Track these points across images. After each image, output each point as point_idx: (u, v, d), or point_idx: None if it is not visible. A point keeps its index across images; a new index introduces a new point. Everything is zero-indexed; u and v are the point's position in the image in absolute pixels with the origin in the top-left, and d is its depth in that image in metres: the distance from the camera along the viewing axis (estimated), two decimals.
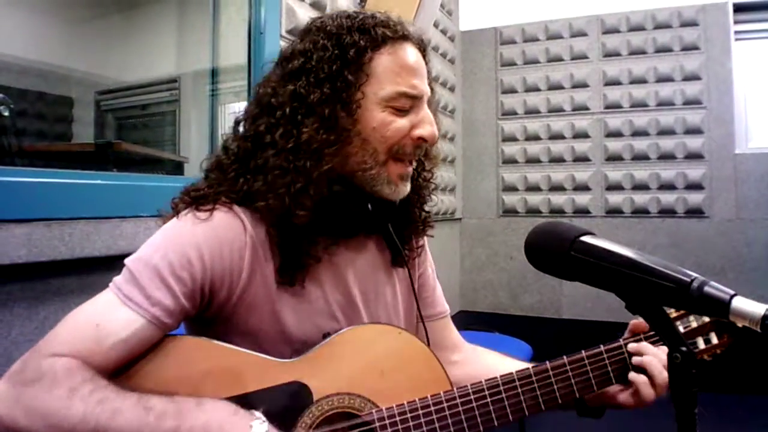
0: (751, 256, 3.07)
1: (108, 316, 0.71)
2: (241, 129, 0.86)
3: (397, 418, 0.77)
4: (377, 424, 0.77)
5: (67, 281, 1.14)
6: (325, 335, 0.81)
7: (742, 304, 0.52)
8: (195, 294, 0.75)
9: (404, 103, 0.81)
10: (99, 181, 1.25)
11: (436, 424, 0.77)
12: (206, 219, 0.77)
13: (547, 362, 0.83)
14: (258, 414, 0.69)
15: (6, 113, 1.71)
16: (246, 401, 0.72)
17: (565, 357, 0.84)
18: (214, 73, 2.19)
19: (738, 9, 3.13)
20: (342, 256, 0.88)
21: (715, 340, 0.88)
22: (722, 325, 0.88)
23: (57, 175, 1.17)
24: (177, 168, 2.25)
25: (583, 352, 0.84)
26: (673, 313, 0.89)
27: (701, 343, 0.88)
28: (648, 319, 0.58)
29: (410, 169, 0.86)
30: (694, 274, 0.55)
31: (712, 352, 0.88)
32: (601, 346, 0.86)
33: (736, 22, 3.14)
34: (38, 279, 1.09)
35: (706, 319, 0.88)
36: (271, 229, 0.79)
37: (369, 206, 0.83)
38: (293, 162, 0.77)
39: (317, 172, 0.77)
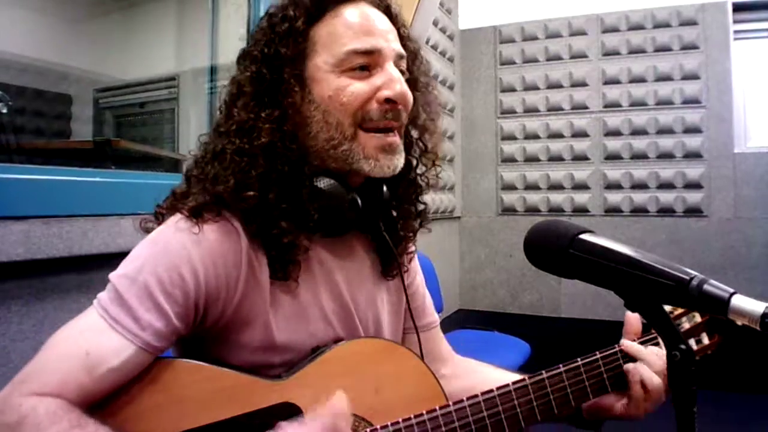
0: (749, 255, 3.07)
1: (96, 342, 0.64)
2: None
3: None
4: None
5: (65, 279, 1.14)
6: (314, 349, 0.77)
7: (741, 302, 0.52)
8: (188, 312, 0.69)
9: (357, 62, 0.74)
10: (97, 179, 1.25)
11: None
12: (198, 230, 0.70)
13: (543, 372, 0.80)
14: None
15: (4, 110, 1.70)
16: (234, 425, 0.69)
17: (561, 366, 0.81)
18: (212, 71, 2.19)
19: (737, 8, 3.13)
20: (334, 261, 0.82)
21: (706, 340, 0.88)
22: (712, 324, 0.88)
23: (55, 173, 1.17)
24: (175, 165, 2.25)
25: (578, 360, 0.82)
26: None
27: (693, 345, 0.88)
28: (647, 317, 0.58)
29: (392, 140, 0.77)
30: (694, 272, 0.55)
31: (704, 353, 0.88)
32: (597, 353, 0.83)
33: (735, 22, 3.14)
34: (36, 276, 1.08)
35: (698, 319, 0.88)
36: (250, 226, 0.72)
37: (357, 199, 0.77)
38: (233, 143, 0.73)
39: (254, 149, 0.72)
